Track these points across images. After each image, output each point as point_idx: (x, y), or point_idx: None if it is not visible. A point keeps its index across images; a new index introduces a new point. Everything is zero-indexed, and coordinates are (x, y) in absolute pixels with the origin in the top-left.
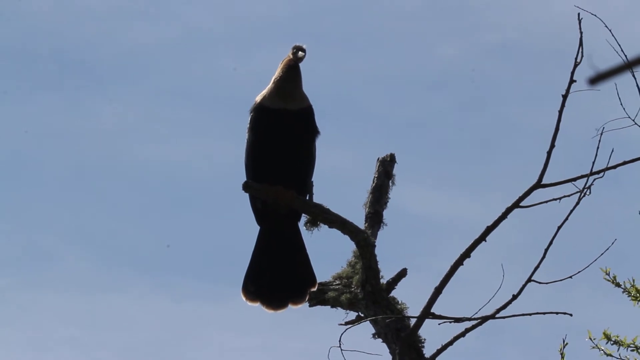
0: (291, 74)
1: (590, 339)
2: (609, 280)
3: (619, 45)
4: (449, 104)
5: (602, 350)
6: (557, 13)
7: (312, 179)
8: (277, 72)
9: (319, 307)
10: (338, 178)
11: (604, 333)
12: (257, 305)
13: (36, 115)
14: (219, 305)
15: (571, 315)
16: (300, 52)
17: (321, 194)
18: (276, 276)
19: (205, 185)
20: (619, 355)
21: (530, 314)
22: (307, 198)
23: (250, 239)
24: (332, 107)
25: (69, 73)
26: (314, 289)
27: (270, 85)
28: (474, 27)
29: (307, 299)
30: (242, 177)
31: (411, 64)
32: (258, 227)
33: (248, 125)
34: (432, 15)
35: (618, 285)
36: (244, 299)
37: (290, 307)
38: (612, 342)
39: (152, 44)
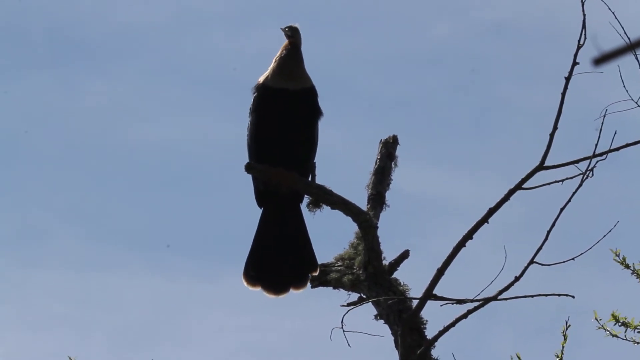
0: (291, 54)
1: (597, 319)
2: (618, 262)
3: (622, 26)
4: (442, 83)
5: (609, 331)
6: None
7: (315, 160)
8: (278, 53)
9: (320, 288)
10: (334, 158)
11: (612, 315)
12: (258, 289)
13: (28, 94)
14: (213, 284)
15: (573, 297)
16: (287, 31)
17: (323, 175)
18: (277, 260)
19: (198, 163)
20: (625, 336)
21: (532, 296)
22: (310, 179)
23: (245, 217)
24: (325, 87)
25: (61, 51)
26: (315, 274)
27: (272, 65)
28: (468, 6)
29: (308, 284)
30: (237, 156)
31: (405, 42)
32: (256, 207)
33: (251, 107)
34: None
35: (627, 266)
36: (245, 283)
37: (292, 291)
38: (620, 324)
39: (145, 22)
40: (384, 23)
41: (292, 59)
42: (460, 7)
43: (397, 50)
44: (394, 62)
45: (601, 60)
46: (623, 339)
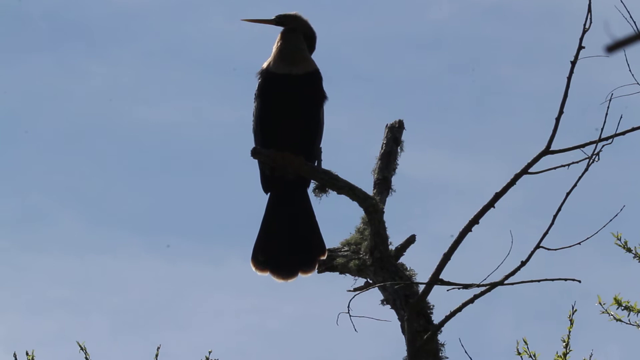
0: (289, 38)
1: (600, 304)
2: (620, 246)
3: (628, 11)
4: (443, 65)
5: (612, 315)
6: None
7: (321, 145)
8: (277, 38)
9: (327, 273)
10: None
11: (615, 298)
12: (267, 275)
13: (28, 77)
14: (214, 267)
15: (580, 281)
16: (275, 19)
17: (329, 160)
18: (286, 245)
19: (199, 146)
20: (629, 320)
21: (538, 281)
22: (316, 164)
23: (247, 201)
24: (326, 70)
25: (60, 34)
26: (324, 258)
27: (274, 51)
28: None
29: (316, 268)
30: (238, 138)
31: (404, 25)
32: (259, 191)
33: (255, 92)
34: None
35: (629, 250)
36: (253, 269)
37: (300, 276)
38: (622, 308)
39: (144, 5)
40: (382, 6)
41: (290, 43)
42: None
43: (396, 33)
44: (393, 45)
45: (614, 47)
46: (627, 323)
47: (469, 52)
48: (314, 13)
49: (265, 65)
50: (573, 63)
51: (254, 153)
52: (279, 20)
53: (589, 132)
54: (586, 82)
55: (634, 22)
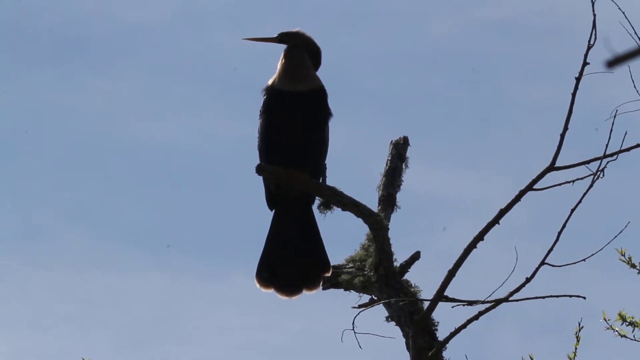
0: (292, 55)
1: (605, 319)
2: (624, 261)
3: (632, 26)
4: (444, 81)
5: (617, 331)
6: None
7: (326, 162)
8: (281, 55)
9: (331, 290)
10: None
11: (619, 314)
12: (271, 291)
13: (31, 92)
14: (217, 283)
15: (584, 298)
16: (277, 37)
17: (334, 177)
18: (290, 261)
19: (202, 162)
20: (634, 336)
21: (543, 297)
22: (321, 181)
23: (251, 216)
24: (328, 86)
25: (64, 49)
26: (328, 274)
27: (279, 69)
28: (469, 3)
29: (321, 285)
30: (243, 154)
31: (405, 41)
32: (262, 206)
33: (261, 108)
34: None
35: (633, 266)
36: (257, 285)
37: (305, 292)
38: (627, 324)
39: (147, 21)
40: (383, 22)
41: (294, 60)
42: (459, 5)
43: (399, 49)
44: (396, 60)
45: (614, 62)
46: (632, 339)
47: (471, 67)
48: (317, 28)
49: (270, 82)
50: (578, 79)
51: (259, 170)
52: (282, 38)
53: (593, 147)
54: (591, 98)
55: (639, 38)
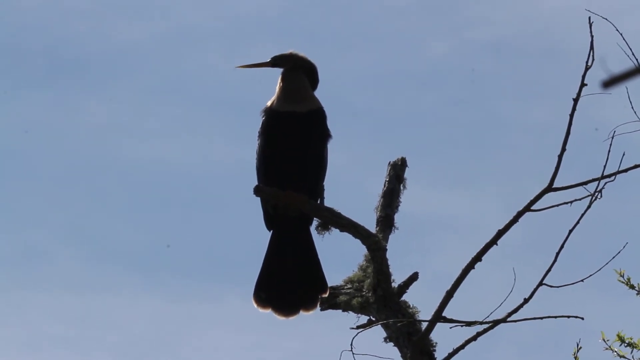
0: (289, 77)
1: (604, 340)
2: (623, 282)
3: (629, 47)
4: (440, 102)
5: (616, 352)
6: (548, 9)
7: (324, 183)
8: (279, 80)
9: (330, 310)
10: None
11: (618, 335)
12: (268, 311)
13: (27, 113)
14: (214, 304)
15: (582, 318)
16: (270, 62)
17: (332, 198)
18: (287, 282)
19: (199, 183)
20: (632, 357)
21: (542, 318)
22: (319, 202)
23: (246, 238)
24: (325, 107)
25: (59, 70)
26: (325, 295)
27: (277, 91)
28: (465, 24)
29: (318, 305)
30: (238, 176)
31: (401, 63)
32: (259, 228)
33: (259, 130)
34: (423, 11)
35: (632, 287)
36: (255, 305)
37: (302, 313)
38: (625, 344)
39: (142, 41)
40: (380, 42)
41: (292, 83)
42: (455, 27)
43: (395, 70)
44: (392, 81)
45: (610, 83)
46: None
47: (468, 88)
48: (312, 49)
49: (269, 103)
50: (575, 100)
51: (257, 191)
52: (275, 62)
53: (591, 168)
54: (588, 118)
55: (636, 59)
